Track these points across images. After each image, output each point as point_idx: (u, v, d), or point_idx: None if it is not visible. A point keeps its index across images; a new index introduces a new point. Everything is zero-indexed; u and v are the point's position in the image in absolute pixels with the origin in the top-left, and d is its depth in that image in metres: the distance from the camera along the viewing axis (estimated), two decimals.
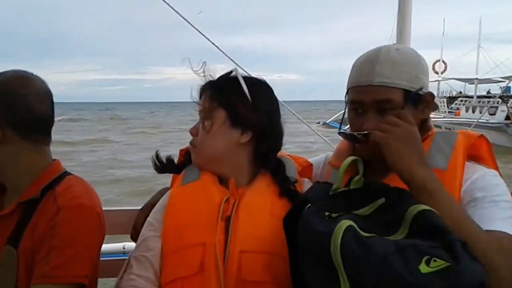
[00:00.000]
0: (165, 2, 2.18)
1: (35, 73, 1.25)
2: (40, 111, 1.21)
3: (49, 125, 1.25)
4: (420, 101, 1.17)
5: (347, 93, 1.23)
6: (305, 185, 1.28)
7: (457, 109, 26.13)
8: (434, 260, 0.84)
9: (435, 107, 1.23)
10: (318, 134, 2.74)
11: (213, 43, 2.32)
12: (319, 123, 25.14)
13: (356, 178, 1.11)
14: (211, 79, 1.26)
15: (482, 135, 1.20)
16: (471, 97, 28.95)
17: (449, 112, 26.04)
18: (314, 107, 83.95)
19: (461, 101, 28.04)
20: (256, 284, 1.10)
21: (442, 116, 22.71)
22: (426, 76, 1.20)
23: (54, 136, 1.30)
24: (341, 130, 1.23)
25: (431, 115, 1.25)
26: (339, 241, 0.89)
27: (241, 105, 1.21)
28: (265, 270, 1.10)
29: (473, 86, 31.30)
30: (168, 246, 1.16)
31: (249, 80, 1.25)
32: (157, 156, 1.33)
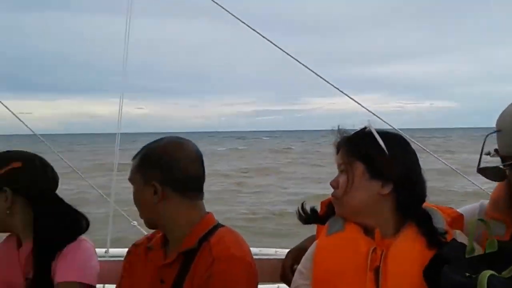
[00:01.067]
0: (275, 45, 2.36)
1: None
2: (193, 171, 1.36)
3: (201, 182, 1.41)
4: None
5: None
6: (458, 236, 1.22)
7: None
8: None
9: None
10: (465, 177, 2.47)
11: (325, 80, 2.44)
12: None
13: (489, 241, 1.08)
14: (345, 135, 1.31)
15: None
16: None
17: None
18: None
19: None
20: None
21: None
22: None
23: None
24: (481, 167, 1.17)
25: None
26: (485, 283, 0.87)
27: (378, 158, 1.23)
28: None
29: None
30: None
31: (383, 134, 1.27)
32: (303, 207, 1.37)
